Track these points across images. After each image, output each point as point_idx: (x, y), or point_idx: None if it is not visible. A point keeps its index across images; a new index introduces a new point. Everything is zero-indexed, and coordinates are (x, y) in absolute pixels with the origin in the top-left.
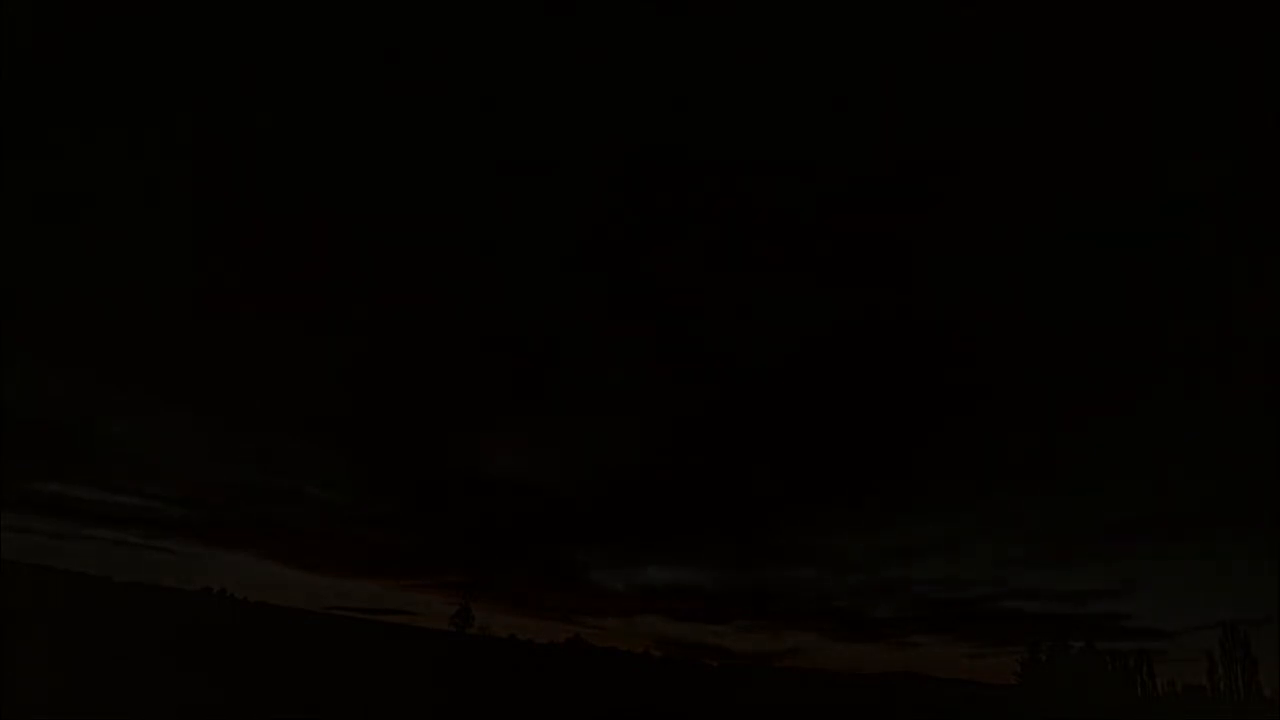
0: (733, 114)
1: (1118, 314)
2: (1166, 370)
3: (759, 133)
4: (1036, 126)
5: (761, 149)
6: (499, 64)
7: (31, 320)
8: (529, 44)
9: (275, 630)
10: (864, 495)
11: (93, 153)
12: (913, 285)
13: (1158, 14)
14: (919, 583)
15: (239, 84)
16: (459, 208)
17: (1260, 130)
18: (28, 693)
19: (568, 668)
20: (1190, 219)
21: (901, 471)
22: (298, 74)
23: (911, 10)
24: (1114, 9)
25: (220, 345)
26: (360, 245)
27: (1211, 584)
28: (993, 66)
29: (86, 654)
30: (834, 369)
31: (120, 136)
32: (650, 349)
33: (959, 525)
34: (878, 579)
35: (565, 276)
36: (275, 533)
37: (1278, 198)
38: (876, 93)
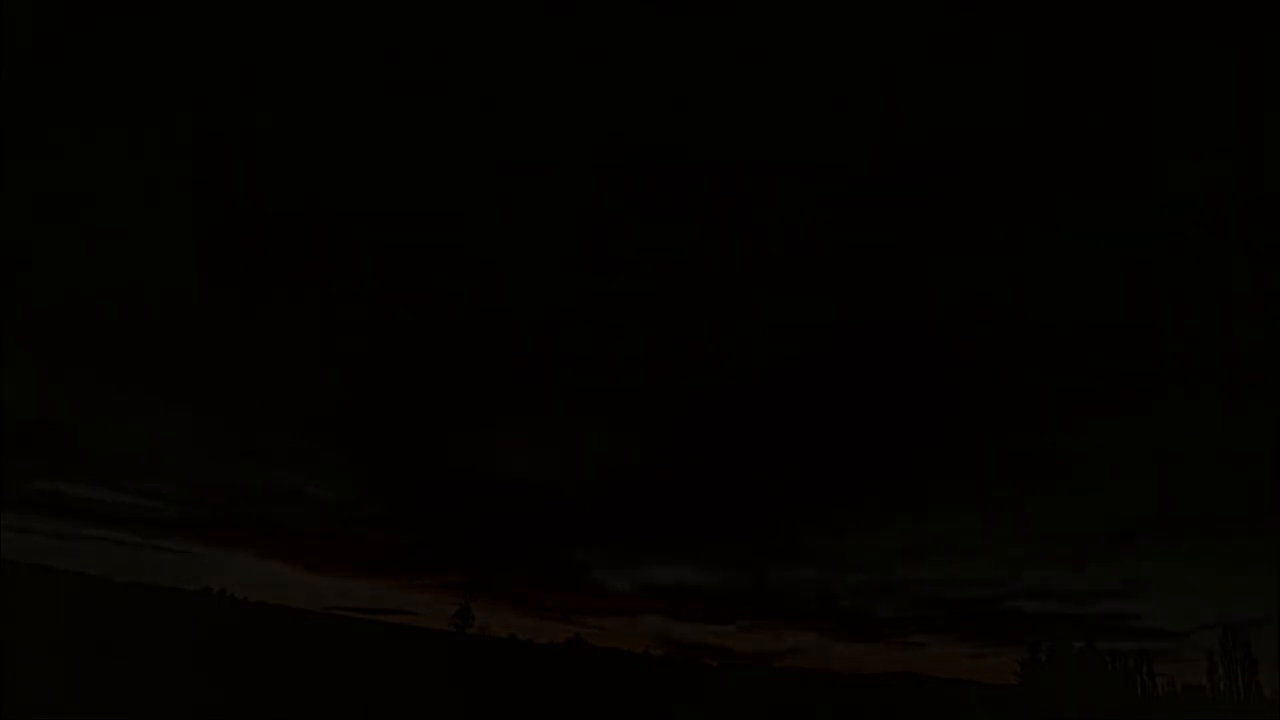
0: (733, 113)
1: (1122, 314)
2: (1169, 370)
3: (760, 132)
4: (1038, 125)
5: (762, 148)
6: (502, 63)
7: (31, 320)
8: (531, 43)
9: (275, 630)
10: (867, 494)
11: (92, 152)
12: (915, 284)
13: (1158, 13)
14: (922, 582)
15: (238, 83)
16: (459, 206)
17: (1261, 130)
18: (28, 693)
19: (568, 668)
20: (1192, 218)
21: (904, 471)
22: (297, 73)
23: (911, 9)
24: (1114, 8)
25: (220, 344)
26: (361, 244)
27: (1217, 584)
28: (993, 66)
29: (86, 654)
30: (836, 368)
31: (119, 136)
32: (652, 348)
33: (962, 525)
34: (881, 579)
35: (566, 275)
36: (275, 533)
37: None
38: (877, 92)
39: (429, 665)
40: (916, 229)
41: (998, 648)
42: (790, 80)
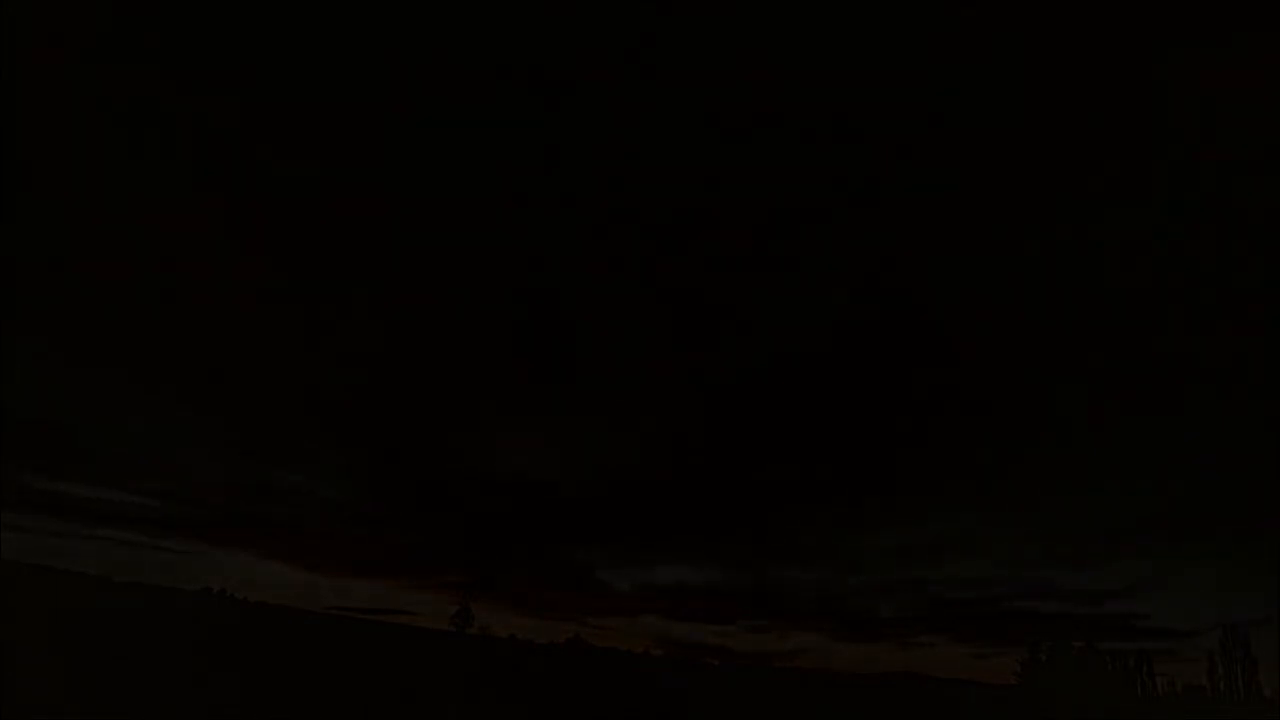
0: (735, 116)
1: (1132, 315)
2: (1172, 372)
3: (763, 134)
4: (1041, 125)
5: (766, 152)
6: (510, 63)
7: (32, 319)
8: (544, 42)
9: (275, 630)
10: (871, 494)
11: (92, 151)
12: (924, 283)
13: (1160, 14)
14: (927, 582)
15: (243, 81)
16: (465, 206)
17: (1264, 133)
18: (28, 693)
19: (568, 668)
20: (1195, 220)
21: (909, 471)
22: (304, 70)
23: (912, 12)
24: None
25: (222, 344)
26: (365, 244)
27: (1221, 584)
28: (994, 67)
29: (86, 654)
30: (840, 368)
31: (120, 135)
32: (657, 348)
33: (967, 525)
34: (885, 578)
35: (571, 276)
36: (276, 532)
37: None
38: (881, 97)
39: (429, 665)
40: (920, 229)
41: (1001, 648)
42: (794, 84)
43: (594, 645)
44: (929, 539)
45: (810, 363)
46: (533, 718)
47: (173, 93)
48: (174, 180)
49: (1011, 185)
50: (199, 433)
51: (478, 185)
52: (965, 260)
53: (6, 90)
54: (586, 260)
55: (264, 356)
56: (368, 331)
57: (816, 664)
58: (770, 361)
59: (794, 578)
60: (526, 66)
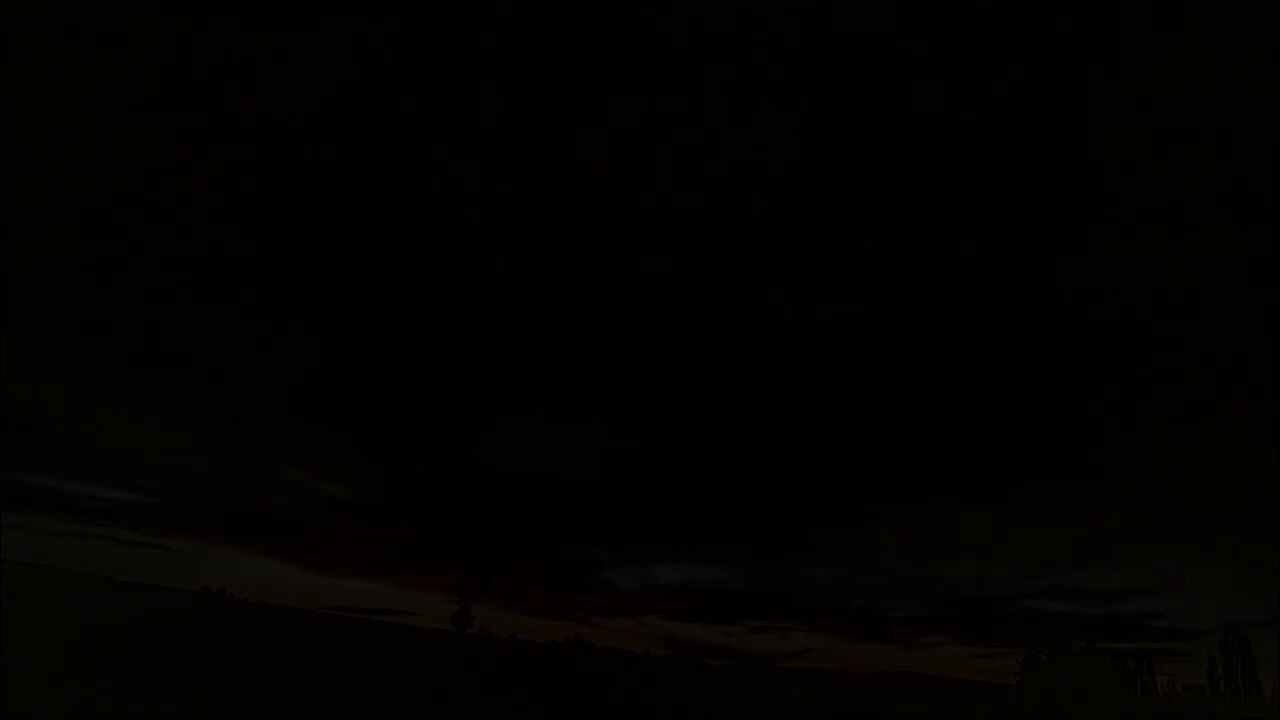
0: (752, 115)
1: (1143, 316)
2: (1180, 375)
3: (778, 135)
4: (1057, 131)
5: (771, 152)
6: (521, 60)
7: (35, 317)
8: (561, 39)
9: (275, 630)
10: (882, 496)
11: (93, 150)
12: (940, 287)
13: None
14: (935, 582)
15: (245, 81)
16: (468, 205)
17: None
18: (28, 693)
19: (569, 668)
20: (1209, 224)
21: (920, 472)
22: (310, 73)
23: (946, 14)
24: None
25: (222, 342)
26: (369, 242)
27: (1232, 585)
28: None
29: (86, 654)
30: (856, 367)
31: (120, 134)
32: (667, 347)
33: (975, 526)
34: (894, 579)
35: (580, 275)
36: (276, 531)
37: None
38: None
39: (429, 665)
40: (934, 231)
41: (1007, 648)
42: (803, 88)
43: (595, 645)
44: (936, 539)
45: (821, 363)
46: (533, 718)
47: (179, 86)
48: (174, 177)
49: (1020, 187)
50: (200, 431)
51: (489, 180)
52: (983, 265)
53: (7, 95)
54: (597, 259)
55: (265, 355)
56: (371, 330)
57: (820, 664)
58: (782, 362)
59: (801, 577)
60: (528, 61)
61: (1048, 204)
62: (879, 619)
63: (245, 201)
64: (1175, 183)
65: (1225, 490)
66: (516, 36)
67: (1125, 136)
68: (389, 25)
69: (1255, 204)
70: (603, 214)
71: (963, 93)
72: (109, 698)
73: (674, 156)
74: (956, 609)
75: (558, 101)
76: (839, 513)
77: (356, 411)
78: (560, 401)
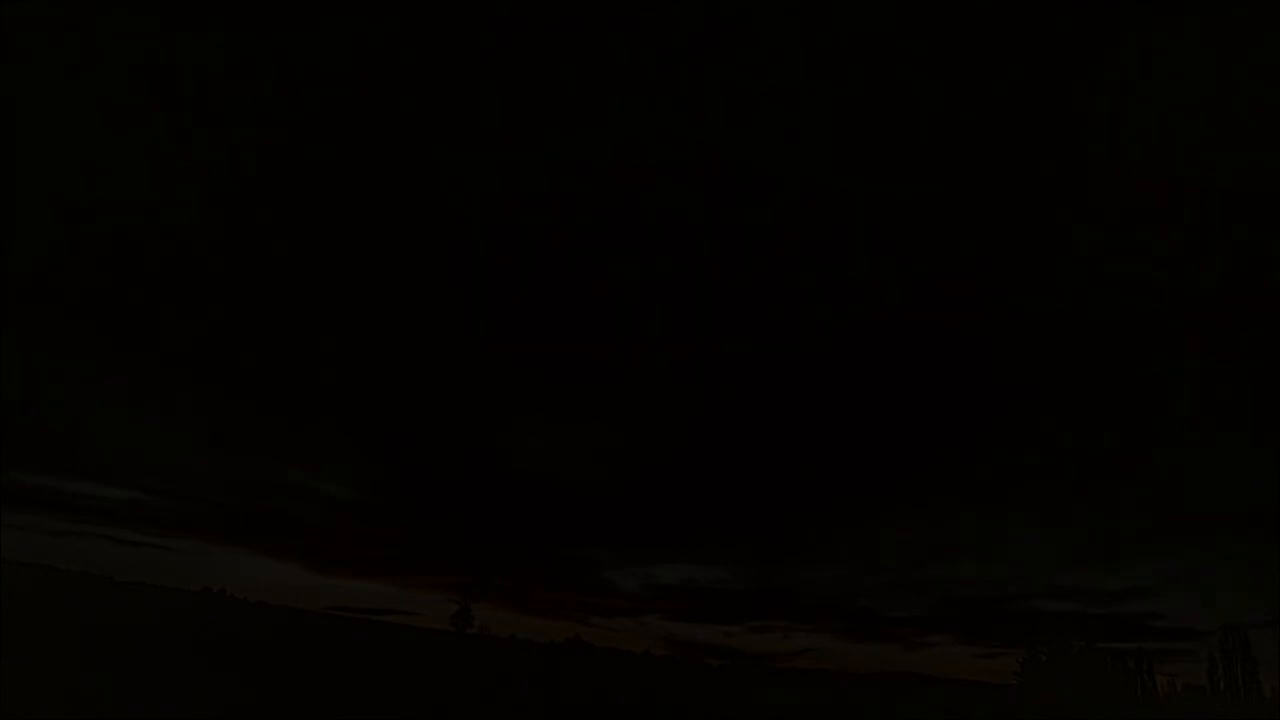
0: (762, 121)
1: (1152, 318)
2: (1189, 377)
3: (789, 138)
4: (1063, 138)
5: (780, 150)
6: (524, 58)
7: (35, 316)
8: (566, 37)
9: (275, 630)
10: (886, 495)
11: (93, 149)
12: (943, 284)
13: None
14: (938, 582)
15: (246, 78)
16: (471, 200)
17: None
18: (28, 693)
19: (570, 668)
20: (1216, 224)
21: (923, 471)
22: (310, 70)
23: (937, 23)
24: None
25: (223, 340)
26: (371, 241)
27: (1236, 585)
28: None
29: (86, 654)
30: (860, 366)
31: (120, 133)
32: (669, 344)
33: (977, 526)
34: (897, 578)
35: (578, 274)
36: (277, 531)
37: None
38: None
39: (429, 665)
40: (939, 229)
41: (1009, 648)
42: (807, 93)
43: (595, 645)
44: (938, 539)
45: (823, 363)
46: (533, 718)
47: (181, 90)
48: (174, 176)
49: (1026, 185)
50: (200, 431)
51: (493, 175)
52: (986, 262)
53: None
54: (598, 258)
55: (265, 354)
56: (371, 329)
57: (820, 664)
58: (783, 361)
59: (803, 577)
60: (530, 59)
61: (1053, 204)
62: (880, 619)
63: (246, 200)
64: (1177, 181)
65: (1225, 490)
66: (522, 32)
67: (1127, 134)
68: (391, 23)
69: (1257, 203)
70: (604, 212)
71: (966, 92)
72: (109, 698)
73: (676, 156)
74: (957, 609)
75: (560, 99)
76: (841, 513)
77: (357, 411)
78: (561, 401)
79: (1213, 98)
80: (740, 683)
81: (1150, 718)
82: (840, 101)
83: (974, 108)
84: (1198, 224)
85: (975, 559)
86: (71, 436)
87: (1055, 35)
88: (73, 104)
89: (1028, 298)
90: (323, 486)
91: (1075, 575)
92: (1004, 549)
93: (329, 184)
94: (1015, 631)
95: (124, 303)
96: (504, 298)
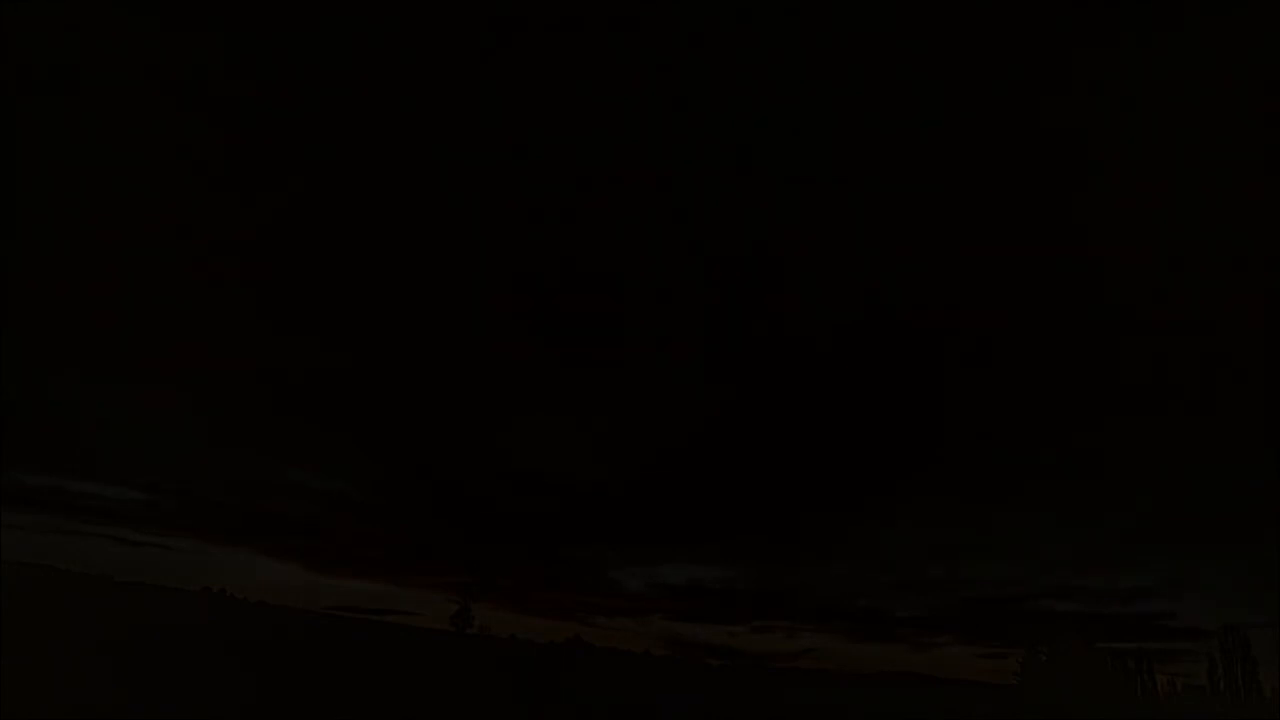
0: (764, 121)
1: (1155, 319)
2: (1193, 377)
3: (786, 135)
4: (1059, 138)
5: (788, 146)
6: (527, 57)
7: (34, 314)
8: (573, 35)
9: (275, 630)
10: (893, 495)
11: (93, 148)
12: (952, 281)
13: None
14: (942, 582)
15: (245, 77)
16: (472, 198)
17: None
18: (28, 693)
19: (570, 668)
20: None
21: (931, 471)
22: (310, 69)
23: (925, 18)
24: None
25: (223, 338)
26: (372, 240)
27: (1233, 586)
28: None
29: (86, 654)
30: (866, 365)
31: (120, 133)
32: (673, 344)
33: (980, 526)
34: (902, 578)
35: (581, 271)
36: (276, 531)
37: None
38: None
39: (429, 665)
40: (947, 228)
41: (1013, 648)
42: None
43: (595, 645)
44: (941, 539)
45: (829, 362)
46: (532, 718)
47: (169, 94)
48: (174, 174)
49: (1035, 186)
50: (200, 430)
51: (487, 178)
52: (992, 262)
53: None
54: (600, 256)
55: (265, 353)
56: (372, 328)
57: (822, 664)
58: (789, 358)
59: (809, 577)
60: (534, 58)
61: (1058, 204)
62: (885, 619)
63: (246, 199)
64: (1178, 185)
65: (1226, 491)
66: (530, 30)
67: (1124, 137)
68: (394, 22)
69: (1257, 203)
70: (606, 211)
71: (968, 91)
72: (109, 698)
73: (679, 156)
74: (961, 609)
75: (561, 98)
76: (845, 513)
77: (357, 410)
78: (563, 400)
79: (1214, 96)
80: (741, 683)
81: (1150, 718)
82: (842, 101)
83: (975, 107)
84: (1200, 225)
85: (979, 559)
86: (71, 436)
87: (1055, 37)
88: (72, 103)
89: (1033, 298)
90: (323, 486)
91: (1078, 575)
92: (1007, 549)
93: (329, 182)
94: (1018, 631)
95: (124, 302)
96: (506, 295)
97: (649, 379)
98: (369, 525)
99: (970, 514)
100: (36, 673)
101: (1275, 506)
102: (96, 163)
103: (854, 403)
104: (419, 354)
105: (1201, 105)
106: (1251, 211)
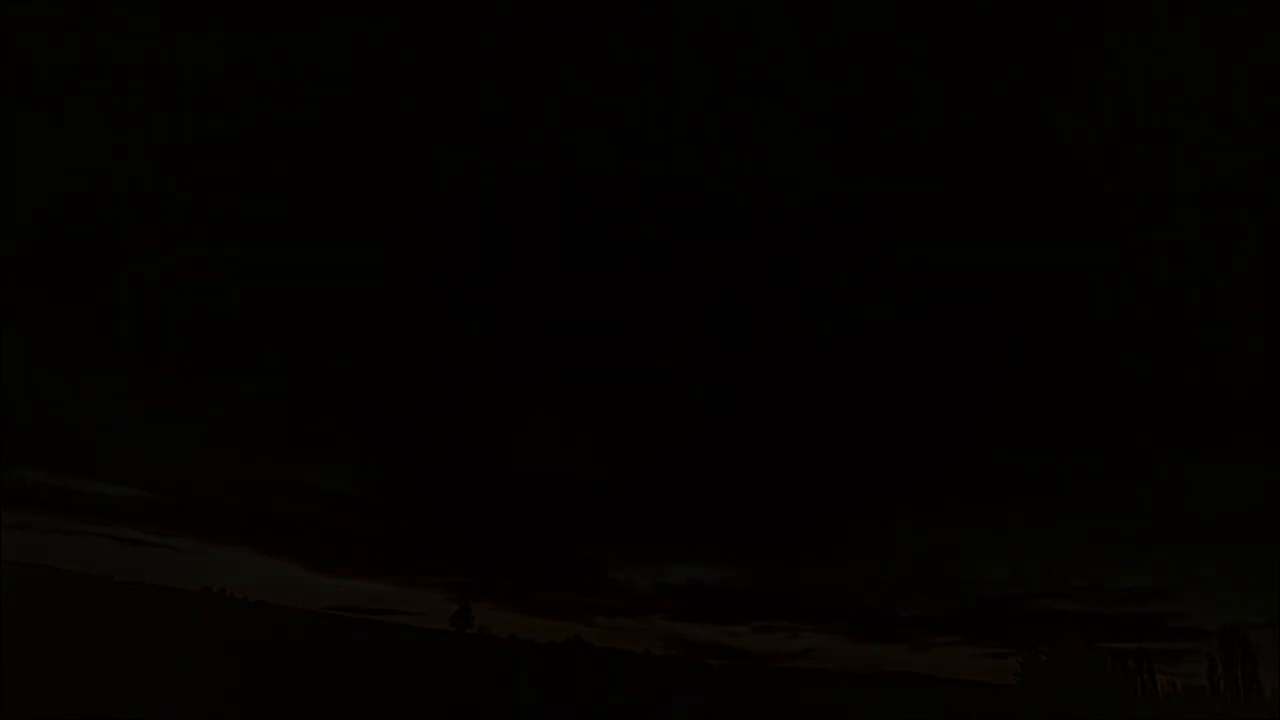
0: (767, 120)
1: (1157, 320)
2: (1196, 379)
3: (799, 136)
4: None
5: (794, 142)
6: (528, 56)
7: (34, 316)
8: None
9: (275, 630)
10: (894, 494)
11: (92, 147)
12: (961, 283)
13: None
14: (947, 583)
15: (246, 76)
16: (473, 196)
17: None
18: (28, 693)
19: (570, 668)
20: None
21: (932, 473)
22: (311, 68)
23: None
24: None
25: (223, 337)
26: (373, 238)
27: (1234, 586)
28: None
29: (86, 654)
30: (869, 366)
31: (119, 131)
32: (677, 342)
33: (984, 526)
34: (900, 578)
35: (583, 268)
36: (276, 530)
37: None
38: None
39: (429, 665)
40: (950, 232)
41: (1013, 648)
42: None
43: (595, 645)
44: (946, 539)
45: (835, 361)
46: (532, 718)
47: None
48: (174, 173)
49: (1043, 188)
50: (200, 430)
51: (489, 177)
52: (996, 264)
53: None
54: (602, 254)
55: (266, 352)
56: (372, 327)
57: (822, 664)
58: (793, 357)
59: (812, 577)
60: (535, 57)
61: (1066, 206)
62: (886, 619)
63: (247, 198)
64: (1180, 183)
65: (1227, 492)
66: (530, 29)
67: (1130, 134)
68: (395, 21)
69: (1258, 204)
70: (607, 210)
71: (969, 90)
72: (109, 698)
73: (681, 155)
74: (964, 609)
75: (562, 97)
76: (848, 513)
77: (357, 409)
78: (565, 399)
79: (1214, 96)
80: (742, 683)
81: (1150, 718)
82: (846, 101)
83: (977, 106)
84: (1201, 226)
85: (979, 559)
86: (71, 436)
87: (1056, 37)
88: (72, 102)
89: (1038, 299)
90: (323, 485)
91: (1078, 575)
92: (1007, 549)
93: (330, 180)
94: (1018, 631)
95: (124, 302)
96: (507, 294)
97: (650, 379)
98: (369, 525)
99: (971, 514)
100: (36, 673)
101: (1275, 506)
102: (95, 161)
103: (855, 403)
104: (420, 353)
105: (1204, 103)
106: (1252, 212)
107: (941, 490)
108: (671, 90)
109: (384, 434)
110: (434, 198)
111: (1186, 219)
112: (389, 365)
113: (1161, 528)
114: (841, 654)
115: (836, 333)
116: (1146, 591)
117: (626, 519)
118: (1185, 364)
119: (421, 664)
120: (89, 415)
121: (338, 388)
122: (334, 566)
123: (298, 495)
